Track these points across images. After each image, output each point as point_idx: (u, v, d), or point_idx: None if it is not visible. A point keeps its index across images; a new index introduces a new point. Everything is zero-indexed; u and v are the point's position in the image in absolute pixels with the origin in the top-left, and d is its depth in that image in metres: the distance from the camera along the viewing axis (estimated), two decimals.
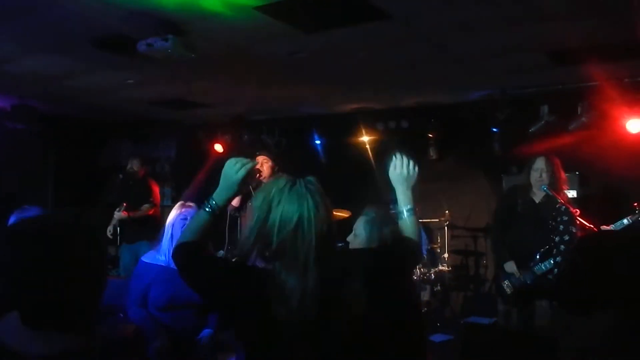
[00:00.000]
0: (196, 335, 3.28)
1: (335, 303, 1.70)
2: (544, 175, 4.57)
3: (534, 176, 4.60)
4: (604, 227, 4.36)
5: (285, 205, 1.75)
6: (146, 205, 6.58)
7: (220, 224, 5.48)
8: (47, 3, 3.76)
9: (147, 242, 5.63)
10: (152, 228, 5.26)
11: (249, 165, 1.97)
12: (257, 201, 1.83)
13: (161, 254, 3.29)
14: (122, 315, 3.43)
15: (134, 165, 6.77)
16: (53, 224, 1.33)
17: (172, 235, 3.26)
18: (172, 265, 3.17)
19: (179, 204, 3.44)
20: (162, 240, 3.31)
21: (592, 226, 4.27)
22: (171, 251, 1.92)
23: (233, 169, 1.95)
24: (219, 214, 1.95)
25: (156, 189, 6.86)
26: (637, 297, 0.98)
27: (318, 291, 1.68)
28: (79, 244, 1.30)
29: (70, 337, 1.25)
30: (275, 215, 1.75)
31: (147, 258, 3.35)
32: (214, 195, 1.96)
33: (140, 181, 6.77)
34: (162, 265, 3.26)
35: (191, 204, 3.40)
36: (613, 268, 1.02)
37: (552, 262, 4.41)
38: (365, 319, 1.70)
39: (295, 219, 1.72)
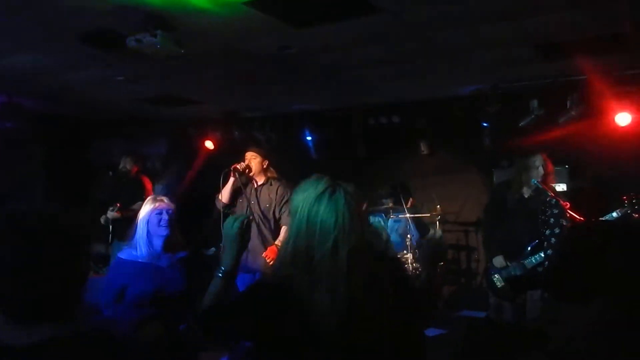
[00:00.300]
0: (180, 326, 3.25)
1: (362, 318, 1.65)
2: (541, 170, 4.63)
3: (535, 173, 4.65)
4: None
5: (325, 215, 1.70)
6: (139, 203, 6.54)
7: (214, 222, 5.50)
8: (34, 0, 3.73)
9: None
10: None
11: (242, 218, 1.97)
12: (294, 206, 1.78)
13: (137, 250, 3.25)
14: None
15: (127, 164, 6.74)
16: (29, 218, 1.33)
17: (148, 231, 3.25)
18: (151, 261, 3.22)
19: (150, 197, 3.43)
20: (135, 236, 3.28)
21: (582, 219, 4.31)
22: (197, 317, 1.88)
23: (229, 225, 1.95)
24: (233, 273, 1.93)
25: (149, 186, 6.84)
26: (625, 285, 0.99)
27: (345, 309, 1.62)
28: (55, 237, 1.31)
29: (54, 326, 1.27)
30: (315, 226, 1.70)
31: (124, 255, 3.30)
32: (222, 261, 1.94)
33: (133, 179, 6.74)
34: (140, 262, 3.23)
35: (163, 198, 3.39)
36: (601, 257, 1.03)
37: (542, 255, 4.44)
38: (390, 331, 1.67)
39: (333, 233, 1.68)
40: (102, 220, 6.35)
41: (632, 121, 5.66)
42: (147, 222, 3.27)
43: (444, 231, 6.99)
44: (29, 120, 7.08)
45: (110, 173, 6.98)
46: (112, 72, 5.70)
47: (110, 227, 6.36)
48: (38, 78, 5.94)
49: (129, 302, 3.17)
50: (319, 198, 1.73)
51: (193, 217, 6.65)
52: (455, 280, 7.38)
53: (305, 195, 1.75)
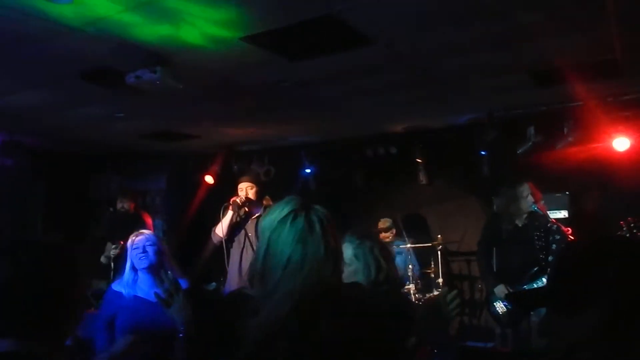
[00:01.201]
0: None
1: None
2: (530, 199, 4.67)
3: (524, 202, 4.68)
4: None
5: (282, 244, 1.68)
6: None
7: (209, 256, 5.45)
8: (34, 38, 3.79)
9: None
10: None
11: None
12: (260, 228, 1.78)
13: (123, 285, 3.34)
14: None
15: (124, 203, 6.77)
16: (25, 245, 1.46)
17: (131, 264, 3.35)
18: (136, 293, 3.26)
19: (134, 234, 3.48)
20: (124, 271, 3.38)
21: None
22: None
23: None
24: None
25: (149, 221, 6.83)
26: (624, 294, 0.99)
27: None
28: (49, 263, 1.43)
29: (33, 344, 1.36)
30: (272, 249, 1.70)
31: (116, 286, 3.40)
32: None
33: (132, 216, 6.74)
34: (128, 294, 3.31)
35: (144, 231, 3.49)
36: (601, 269, 1.03)
37: (544, 280, 4.42)
38: None
39: (286, 257, 1.66)
40: (103, 259, 6.31)
41: (630, 146, 5.67)
42: (130, 259, 3.37)
43: (445, 261, 6.92)
44: (29, 157, 7.13)
45: (111, 209, 6.98)
46: (111, 108, 5.75)
47: (112, 264, 6.33)
48: (38, 115, 5.99)
49: (118, 331, 3.21)
50: (280, 222, 1.72)
51: (194, 252, 6.62)
52: (459, 311, 7.29)
53: (270, 219, 1.75)
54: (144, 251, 3.33)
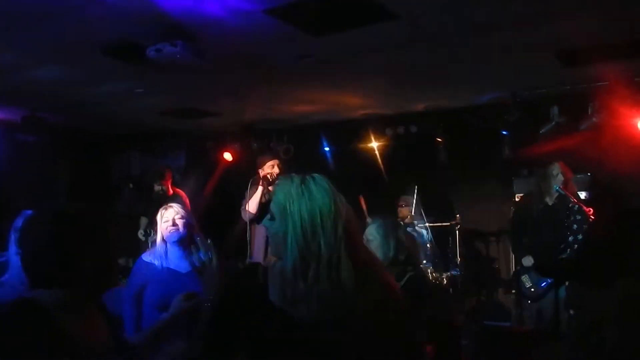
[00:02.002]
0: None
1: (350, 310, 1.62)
2: (560, 177, 4.69)
3: (554, 182, 4.72)
4: None
5: (302, 204, 1.73)
6: None
7: (240, 233, 5.47)
8: (56, 13, 3.80)
9: None
10: None
11: None
12: (274, 203, 1.80)
13: (156, 256, 3.37)
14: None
15: (162, 186, 6.72)
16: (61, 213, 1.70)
17: (163, 240, 3.38)
18: (167, 266, 3.29)
19: (163, 207, 3.51)
20: (156, 243, 3.42)
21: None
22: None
23: None
24: None
25: (186, 200, 6.84)
26: None
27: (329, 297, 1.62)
28: (83, 227, 1.65)
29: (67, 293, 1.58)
30: (294, 216, 1.73)
31: (147, 257, 3.44)
32: None
33: (170, 196, 6.74)
34: (157, 265, 3.34)
35: (172, 205, 3.51)
36: (628, 240, 1.01)
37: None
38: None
39: (313, 217, 1.71)
40: (140, 235, 6.35)
41: None
42: (160, 231, 3.40)
43: (464, 241, 6.88)
44: (50, 133, 7.18)
45: (131, 185, 7.02)
46: (132, 84, 5.77)
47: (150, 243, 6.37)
48: (59, 92, 6.03)
49: (147, 304, 3.26)
50: (296, 190, 1.76)
51: (213, 228, 6.66)
52: (475, 290, 7.29)
53: (284, 192, 1.78)
54: (174, 224, 3.35)
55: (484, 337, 4.72)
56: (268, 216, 1.82)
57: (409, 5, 3.75)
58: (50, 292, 1.54)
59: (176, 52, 4.09)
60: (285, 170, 5.02)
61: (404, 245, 3.12)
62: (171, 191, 6.71)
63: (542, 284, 4.65)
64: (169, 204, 3.52)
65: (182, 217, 3.38)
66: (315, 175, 1.82)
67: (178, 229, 3.35)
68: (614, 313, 0.97)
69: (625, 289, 0.97)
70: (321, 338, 1.58)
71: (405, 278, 2.97)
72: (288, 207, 1.75)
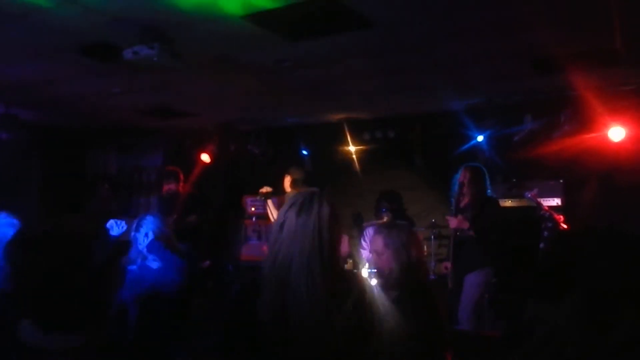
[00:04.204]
0: None
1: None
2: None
3: None
4: None
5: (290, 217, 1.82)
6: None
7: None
8: (33, 11, 3.76)
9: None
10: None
11: None
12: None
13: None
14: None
15: (170, 185, 6.73)
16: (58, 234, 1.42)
17: (136, 247, 3.51)
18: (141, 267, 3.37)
19: (138, 217, 3.67)
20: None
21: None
22: None
23: None
24: None
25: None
26: (600, 280, 1.02)
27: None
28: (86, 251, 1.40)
29: (73, 336, 1.34)
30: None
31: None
32: None
33: (180, 195, 6.76)
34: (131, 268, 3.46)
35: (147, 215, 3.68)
36: (583, 257, 1.06)
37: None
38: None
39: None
40: None
41: (626, 136, 5.69)
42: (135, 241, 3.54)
43: (439, 245, 6.96)
44: (25, 130, 7.09)
45: (106, 185, 6.97)
46: (108, 83, 5.72)
47: None
48: (35, 89, 5.96)
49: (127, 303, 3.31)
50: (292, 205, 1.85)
51: (190, 230, 6.64)
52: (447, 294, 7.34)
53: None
54: (146, 235, 3.49)
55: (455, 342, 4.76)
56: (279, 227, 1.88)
57: (385, 13, 3.79)
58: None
59: (153, 54, 4.06)
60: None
61: (413, 251, 3.19)
62: (180, 191, 6.74)
63: None
64: (143, 214, 3.71)
65: (155, 228, 3.56)
66: (320, 191, 1.90)
67: (150, 239, 3.53)
68: (566, 324, 1.02)
69: (577, 303, 1.02)
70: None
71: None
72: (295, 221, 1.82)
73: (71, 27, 4.08)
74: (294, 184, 5.43)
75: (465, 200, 4.73)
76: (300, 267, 1.72)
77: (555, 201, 5.97)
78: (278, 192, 6.07)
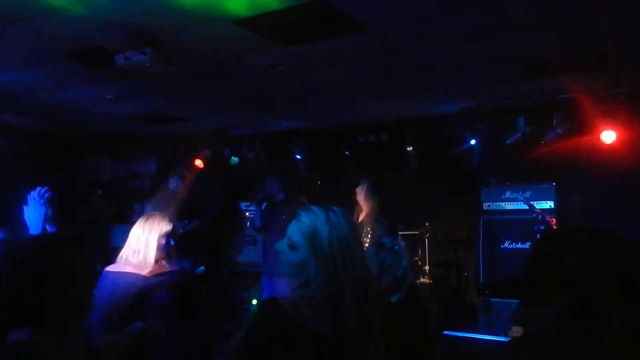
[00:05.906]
0: None
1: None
2: None
3: None
4: None
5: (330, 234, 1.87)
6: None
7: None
8: (23, 16, 3.75)
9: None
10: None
11: None
12: (298, 234, 1.91)
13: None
14: None
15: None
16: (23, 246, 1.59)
17: None
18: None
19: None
20: None
21: None
22: None
23: None
24: None
25: None
26: (584, 284, 1.03)
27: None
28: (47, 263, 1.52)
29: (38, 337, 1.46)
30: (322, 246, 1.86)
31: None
32: None
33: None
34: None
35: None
36: (565, 260, 1.06)
37: None
38: None
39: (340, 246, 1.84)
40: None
41: (617, 139, 5.72)
42: None
43: (433, 249, 6.97)
44: (16, 137, 7.05)
45: (99, 192, 6.94)
46: (101, 90, 5.71)
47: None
48: (27, 96, 5.93)
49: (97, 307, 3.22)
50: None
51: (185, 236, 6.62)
52: (444, 298, 7.35)
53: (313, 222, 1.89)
54: None
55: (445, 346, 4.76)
56: (286, 245, 1.89)
57: (377, 18, 3.80)
58: (29, 334, 1.45)
59: (145, 60, 4.05)
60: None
61: (405, 264, 3.21)
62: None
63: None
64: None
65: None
66: (334, 207, 1.93)
67: None
68: (550, 326, 1.02)
69: (561, 305, 1.02)
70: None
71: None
72: (314, 238, 1.84)
73: (62, 33, 4.06)
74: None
75: None
76: None
77: (548, 204, 5.99)
78: (274, 197, 6.05)
